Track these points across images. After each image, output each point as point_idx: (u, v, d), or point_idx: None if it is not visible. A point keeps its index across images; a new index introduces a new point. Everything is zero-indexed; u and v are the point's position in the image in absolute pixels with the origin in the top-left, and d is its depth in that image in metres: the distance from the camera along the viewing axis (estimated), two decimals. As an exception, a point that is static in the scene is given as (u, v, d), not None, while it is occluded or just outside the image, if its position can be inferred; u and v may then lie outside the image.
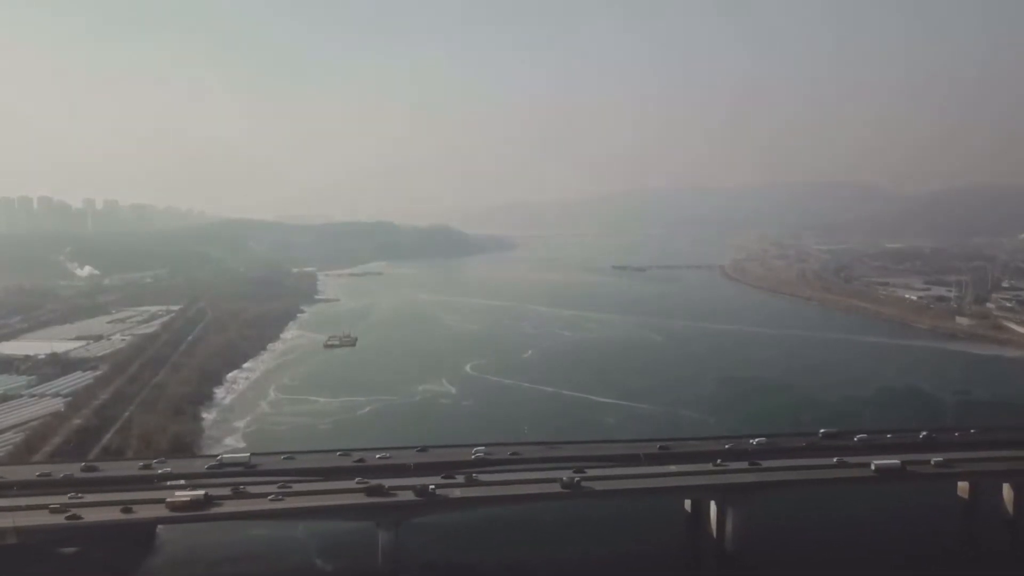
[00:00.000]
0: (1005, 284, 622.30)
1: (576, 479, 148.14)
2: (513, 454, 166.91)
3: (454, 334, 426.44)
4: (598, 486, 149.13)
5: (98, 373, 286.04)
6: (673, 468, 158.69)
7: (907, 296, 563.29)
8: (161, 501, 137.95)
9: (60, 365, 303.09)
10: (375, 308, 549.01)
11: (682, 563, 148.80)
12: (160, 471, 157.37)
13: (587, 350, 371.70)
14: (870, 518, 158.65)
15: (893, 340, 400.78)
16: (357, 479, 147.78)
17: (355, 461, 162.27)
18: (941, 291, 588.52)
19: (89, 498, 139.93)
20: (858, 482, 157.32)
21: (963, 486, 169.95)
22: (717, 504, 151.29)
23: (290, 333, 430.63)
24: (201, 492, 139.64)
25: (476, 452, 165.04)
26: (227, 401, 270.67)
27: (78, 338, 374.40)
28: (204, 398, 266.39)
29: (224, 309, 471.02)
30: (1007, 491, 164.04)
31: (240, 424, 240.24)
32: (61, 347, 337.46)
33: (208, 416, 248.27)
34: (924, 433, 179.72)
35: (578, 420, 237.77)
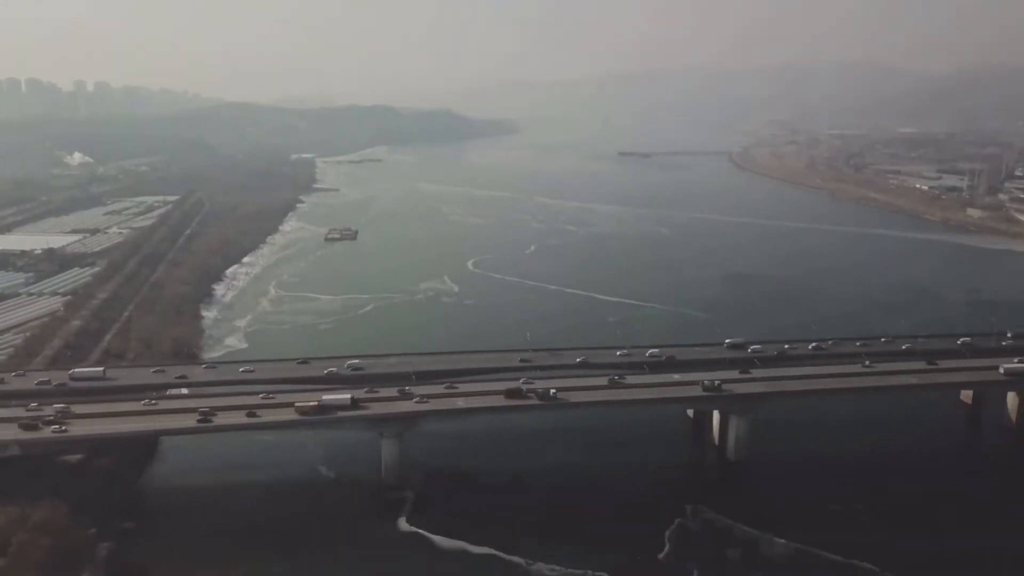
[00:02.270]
0: (1019, 172, 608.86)
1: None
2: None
3: (456, 228, 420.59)
4: (599, 396, 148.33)
5: (96, 270, 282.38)
6: (676, 377, 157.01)
7: (918, 186, 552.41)
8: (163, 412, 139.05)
9: (57, 261, 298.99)
10: (375, 199, 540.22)
11: (683, 472, 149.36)
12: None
13: (591, 246, 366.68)
14: (873, 426, 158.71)
15: (903, 233, 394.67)
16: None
17: (177, 377, 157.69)
18: (953, 180, 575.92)
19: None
20: (860, 392, 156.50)
21: (967, 394, 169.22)
22: (720, 413, 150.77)
23: (289, 225, 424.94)
24: (347, 396, 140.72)
25: (349, 364, 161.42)
26: (227, 299, 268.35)
27: (74, 232, 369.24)
28: (204, 296, 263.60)
29: (222, 200, 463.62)
30: (1011, 399, 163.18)
31: (241, 323, 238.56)
32: (57, 242, 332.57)
33: (208, 315, 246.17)
34: (813, 344, 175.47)
35: (581, 320, 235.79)
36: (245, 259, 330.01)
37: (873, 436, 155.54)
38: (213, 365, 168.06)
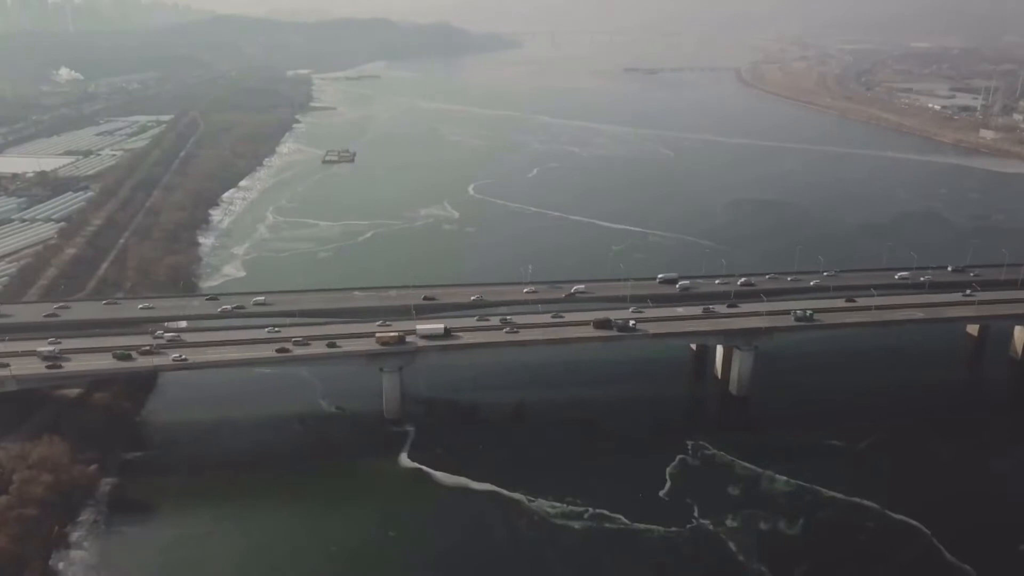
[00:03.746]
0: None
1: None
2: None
3: (456, 150, 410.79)
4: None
5: (89, 195, 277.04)
6: (680, 311, 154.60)
7: (931, 105, 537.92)
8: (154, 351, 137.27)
9: (50, 185, 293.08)
10: (374, 118, 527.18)
11: (685, 407, 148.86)
12: None
13: (595, 169, 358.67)
14: (878, 360, 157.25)
15: (913, 156, 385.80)
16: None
17: (45, 315, 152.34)
18: (967, 99, 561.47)
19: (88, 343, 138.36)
20: (866, 326, 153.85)
21: (972, 327, 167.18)
22: (723, 347, 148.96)
23: (286, 147, 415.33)
24: (440, 326, 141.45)
25: (255, 301, 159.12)
26: (224, 225, 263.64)
27: (67, 153, 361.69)
28: (200, 222, 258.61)
29: (217, 120, 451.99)
30: (1019, 333, 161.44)
31: (239, 251, 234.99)
32: (49, 164, 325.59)
33: (205, 242, 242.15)
34: (742, 279, 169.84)
35: (583, 249, 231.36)
36: (242, 183, 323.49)
37: (877, 370, 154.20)
38: (115, 301, 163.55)
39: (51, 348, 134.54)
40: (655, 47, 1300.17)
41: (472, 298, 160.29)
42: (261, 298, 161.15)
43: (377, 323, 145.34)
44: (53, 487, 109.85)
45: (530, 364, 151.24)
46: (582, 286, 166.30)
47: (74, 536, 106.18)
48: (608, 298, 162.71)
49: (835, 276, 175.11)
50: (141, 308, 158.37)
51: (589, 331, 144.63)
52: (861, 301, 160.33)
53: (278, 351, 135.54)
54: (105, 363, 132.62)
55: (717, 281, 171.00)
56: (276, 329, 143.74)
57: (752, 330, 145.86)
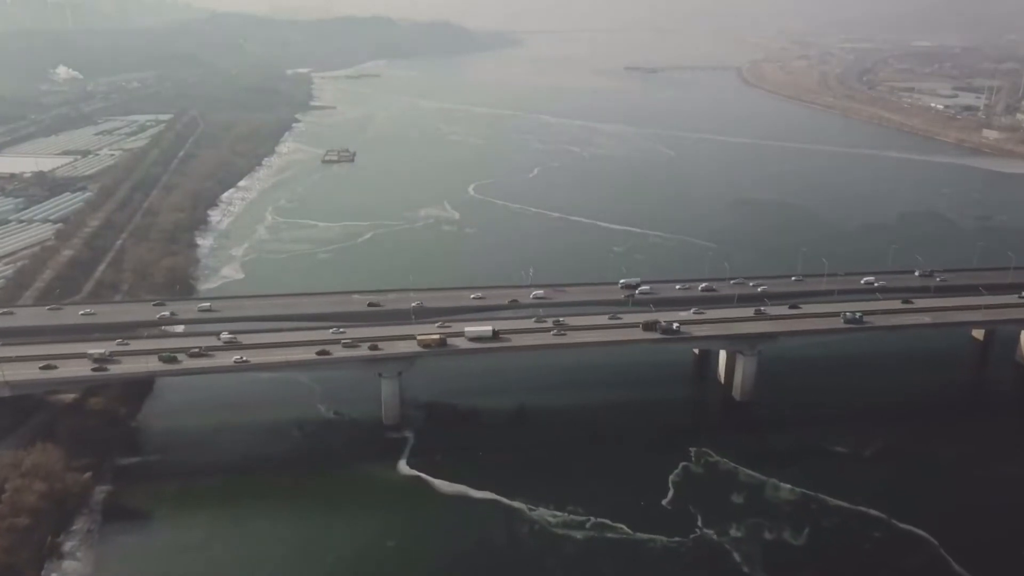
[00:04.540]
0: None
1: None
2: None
3: (457, 149, 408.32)
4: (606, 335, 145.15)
5: (87, 195, 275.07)
6: (683, 315, 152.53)
7: (933, 105, 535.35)
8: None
9: (47, 186, 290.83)
10: (374, 118, 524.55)
11: (687, 412, 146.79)
12: None
13: (596, 169, 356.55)
14: (883, 364, 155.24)
15: (916, 156, 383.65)
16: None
17: None
18: (969, 98, 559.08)
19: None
20: (872, 331, 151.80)
21: (977, 331, 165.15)
22: (726, 353, 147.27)
23: (286, 147, 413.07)
24: (488, 328, 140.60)
25: (200, 308, 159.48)
26: (223, 226, 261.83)
27: (65, 153, 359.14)
28: (199, 223, 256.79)
29: (216, 119, 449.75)
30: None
31: (237, 252, 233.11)
32: (47, 164, 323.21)
33: (204, 243, 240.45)
34: (703, 285, 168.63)
35: (585, 251, 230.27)
36: (241, 183, 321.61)
37: (882, 375, 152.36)
38: (59, 307, 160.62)
39: (102, 350, 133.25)
40: (655, 46, 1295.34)
41: (412, 305, 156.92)
42: (206, 304, 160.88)
43: (436, 323, 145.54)
44: (46, 495, 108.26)
45: (531, 368, 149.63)
46: (541, 291, 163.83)
47: (67, 546, 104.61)
48: (567, 303, 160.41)
49: (802, 281, 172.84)
50: (82, 314, 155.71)
51: (639, 333, 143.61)
52: (870, 305, 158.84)
53: (318, 353, 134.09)
54: (152, 366, 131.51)
55: (677, 287, 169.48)
56: (341, 330, 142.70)
57: (755, 335, 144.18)
